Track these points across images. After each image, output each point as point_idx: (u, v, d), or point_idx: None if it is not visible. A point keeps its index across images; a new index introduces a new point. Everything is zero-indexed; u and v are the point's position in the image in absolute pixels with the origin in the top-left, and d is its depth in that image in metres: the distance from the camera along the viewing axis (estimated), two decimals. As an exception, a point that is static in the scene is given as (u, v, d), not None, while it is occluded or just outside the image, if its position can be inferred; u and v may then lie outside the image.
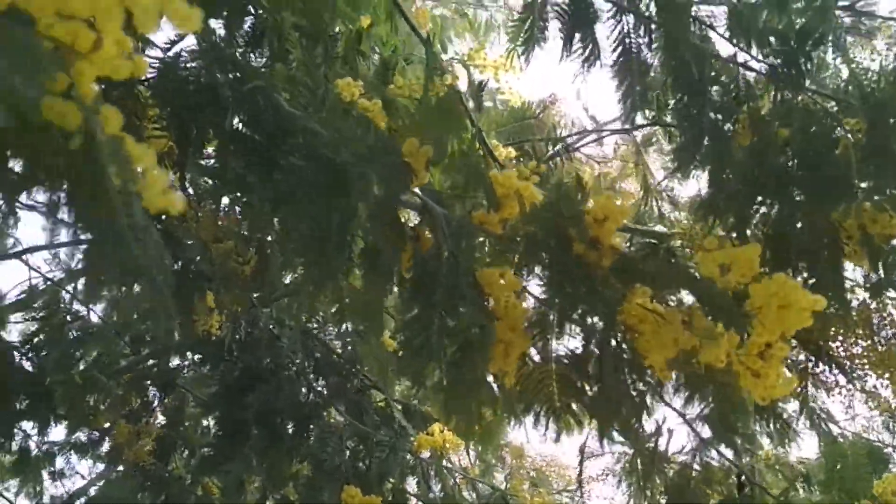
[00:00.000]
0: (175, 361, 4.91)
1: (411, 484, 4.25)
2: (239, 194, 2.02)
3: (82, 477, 5.55)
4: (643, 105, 2.45)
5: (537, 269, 1.97)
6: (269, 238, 2.81)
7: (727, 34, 2.53)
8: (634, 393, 1.80)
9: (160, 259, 1.04)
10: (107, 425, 4.55)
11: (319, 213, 1.88)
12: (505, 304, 1.85)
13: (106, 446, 4.82)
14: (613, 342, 1.79)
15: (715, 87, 2.27)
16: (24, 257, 4.81)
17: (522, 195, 1.97)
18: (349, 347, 4.56)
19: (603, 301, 1.71)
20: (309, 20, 2.40)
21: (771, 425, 2.71)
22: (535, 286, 2.02)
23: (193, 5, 0.92)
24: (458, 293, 1.84)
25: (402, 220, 2.02)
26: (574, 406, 1.87)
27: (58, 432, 4.72)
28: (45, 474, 5.08)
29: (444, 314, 1.84)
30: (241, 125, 1.98)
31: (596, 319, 1.85)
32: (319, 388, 4.50)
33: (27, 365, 4.21)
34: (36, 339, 4.35)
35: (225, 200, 2.67)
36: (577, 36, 2.68)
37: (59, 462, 5.04)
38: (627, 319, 1.73)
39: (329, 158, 1.90)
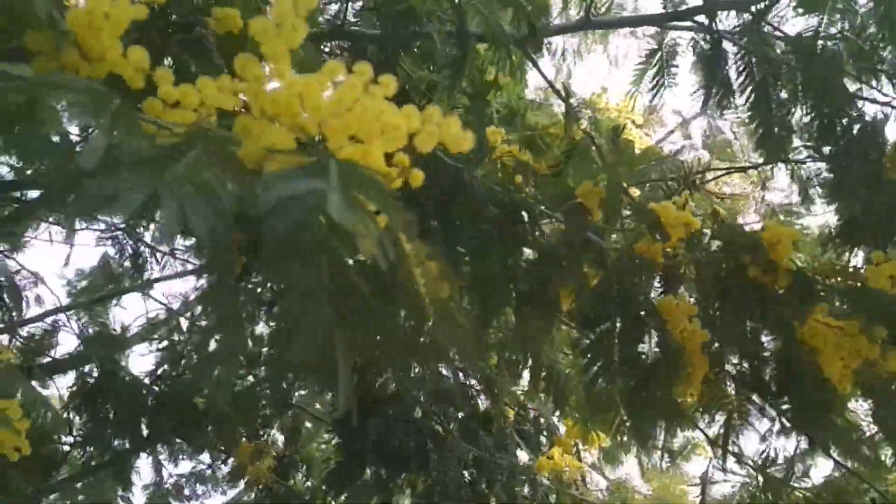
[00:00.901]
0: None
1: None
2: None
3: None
4: (786, 144, 2.62)
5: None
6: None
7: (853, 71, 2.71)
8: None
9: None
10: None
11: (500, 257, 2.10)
12: (682, 330, 2.01)
13: (226, 468, 5.02)
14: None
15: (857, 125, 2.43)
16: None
17: (686, 225, 2.15)
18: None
19: (781, 320, 1.87)
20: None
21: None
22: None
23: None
24: (638, 322, 2.01)
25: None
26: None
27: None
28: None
29: (623, 343, 2.01)
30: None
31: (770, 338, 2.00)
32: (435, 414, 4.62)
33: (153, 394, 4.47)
34: (160, 370, 4.60)
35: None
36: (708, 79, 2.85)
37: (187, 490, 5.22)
38: (804, 335, 1.89)
39: (510, 207, 2.11)
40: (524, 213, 2.16)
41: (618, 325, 2.03)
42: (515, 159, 2.69)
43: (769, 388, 1.98)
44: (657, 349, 1.97)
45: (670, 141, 5.73)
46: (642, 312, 2.01)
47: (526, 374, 3.71)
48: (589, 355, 2.05)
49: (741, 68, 2.81)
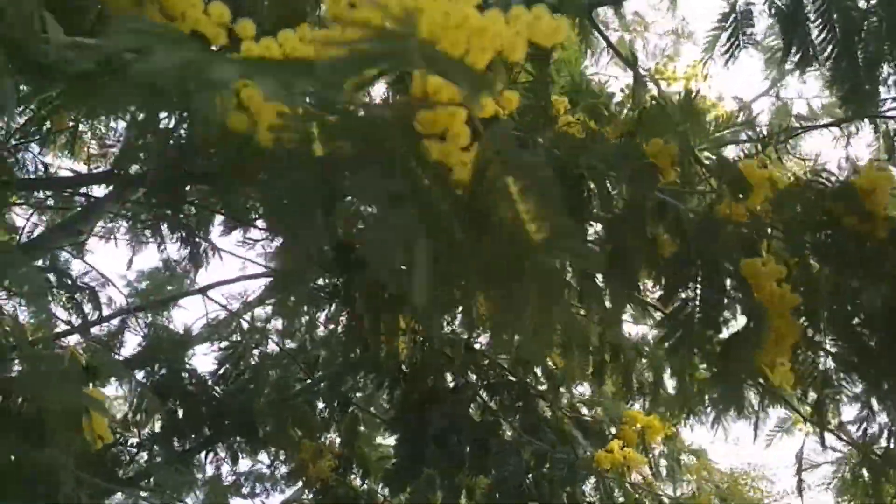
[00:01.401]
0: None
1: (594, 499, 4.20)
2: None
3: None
4: (873, 97, 2.45)
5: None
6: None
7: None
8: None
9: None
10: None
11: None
12: (770, 293, 1.85)
13: (285, 468, 5.00)
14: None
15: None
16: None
17: (771, 182, 1.99)
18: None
19: (884, 273, 1.69)
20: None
21: None
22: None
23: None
24: (721, 287, 1.85)
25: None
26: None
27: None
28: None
29: (706, 307, 1.86)
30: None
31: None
32: (493, 406, 4.53)
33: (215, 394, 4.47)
34: (222, 370, 4.60)
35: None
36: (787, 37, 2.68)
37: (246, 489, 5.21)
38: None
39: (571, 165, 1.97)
40: (590, 182, 2.03)
41: (698, 292, 1.88)
42: (582, 127, 2.57)
43: (870, 353, 1.80)
44: (743, 315, 1.81)
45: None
46: (726, 279, 1.85)
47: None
48: (668, 325, 1.90)
49: (821, 25, 2.64)
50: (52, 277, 4.55)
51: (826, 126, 3.64)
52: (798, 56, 2.68)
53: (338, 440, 4.85)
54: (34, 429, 1.88)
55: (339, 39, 0.87)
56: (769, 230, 1.90)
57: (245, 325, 4.95)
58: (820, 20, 2.66)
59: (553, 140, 2.29)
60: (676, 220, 2.02)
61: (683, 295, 1.90)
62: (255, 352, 4.83)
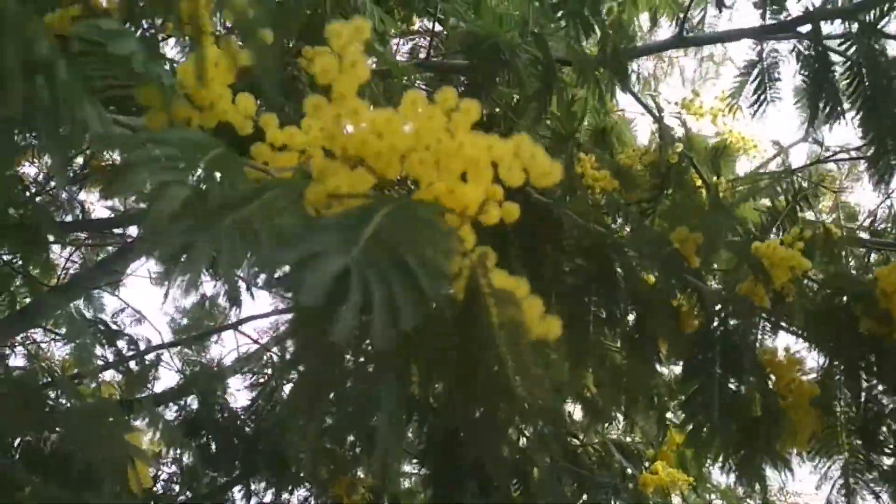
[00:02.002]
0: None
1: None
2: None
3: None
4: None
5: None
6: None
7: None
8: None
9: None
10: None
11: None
12: (788, 382, 1.83)
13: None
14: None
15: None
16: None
17: (793, 266, 1.97)
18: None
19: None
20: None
21: None
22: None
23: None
24: (740, 372, 1.84)
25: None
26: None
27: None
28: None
29: (724, 393, 1.85)
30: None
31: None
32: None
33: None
34: (254, 405, 4.65)
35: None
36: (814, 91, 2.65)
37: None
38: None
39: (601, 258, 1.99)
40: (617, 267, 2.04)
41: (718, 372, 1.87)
42: (606, 193, 2.56)
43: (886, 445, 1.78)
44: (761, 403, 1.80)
45: (768, 170, 5.49)
46: (745, 365, 1.84)
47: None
48: (690, 407, 1.90)
49: (850, 78, 2.60)
50: (88, 315, 4.68)
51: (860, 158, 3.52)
52: (827, 109, 2.64)
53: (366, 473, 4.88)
54: (84, 477, 1.98)
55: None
56: (786, 319, 1.88)
57: (276, 359, 5.00)
58: (848, 72, 2.62)
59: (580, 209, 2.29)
60: (699, 298, 2.02)
61: (705, 376, 1.90)
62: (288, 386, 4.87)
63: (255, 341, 5.18)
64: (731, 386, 1.84)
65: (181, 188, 0.81)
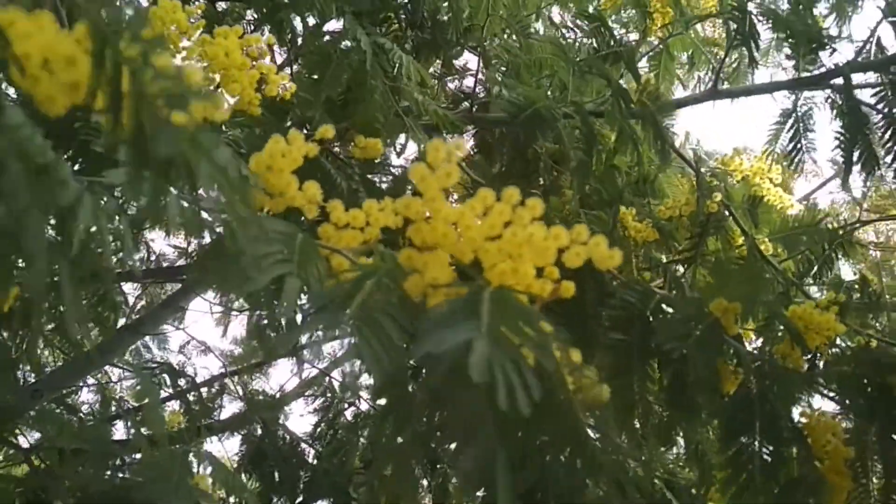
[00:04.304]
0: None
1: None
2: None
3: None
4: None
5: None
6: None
7: None
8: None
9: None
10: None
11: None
12: (825, 445, 1.94)
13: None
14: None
15: None
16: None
17: (825, 329, 2.07)
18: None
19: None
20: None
21: None
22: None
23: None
24: (777, 434, 1.95)
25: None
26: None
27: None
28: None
29: (763, 454, 1.96)
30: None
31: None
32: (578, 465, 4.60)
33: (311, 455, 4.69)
34: (318, 430, 4.82)
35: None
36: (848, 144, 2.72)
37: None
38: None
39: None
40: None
41: (757, 438, 1.98)
42: (646, 245, 2.68)
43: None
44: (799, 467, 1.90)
45: (827, 190, 5.48)
46: (783, 429, 1.94)
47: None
48: (730, 470, 2.00)
49: (884, 130, 2.68)
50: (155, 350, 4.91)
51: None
52: (862, 161, 2.71)
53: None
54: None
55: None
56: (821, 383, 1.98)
57: (336, 384, 5.16)
58: (882, 122, 2.69)
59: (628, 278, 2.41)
60: (737, 358, 2.13)
61: (744, 439, 2.00)
62: (349, 410, 5.01)
63: (314, 366, 5.34)
64: (770, 447, 1.95)
65: (295, 280, 0.98)
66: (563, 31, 3.78)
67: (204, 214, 1.16)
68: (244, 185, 1.04)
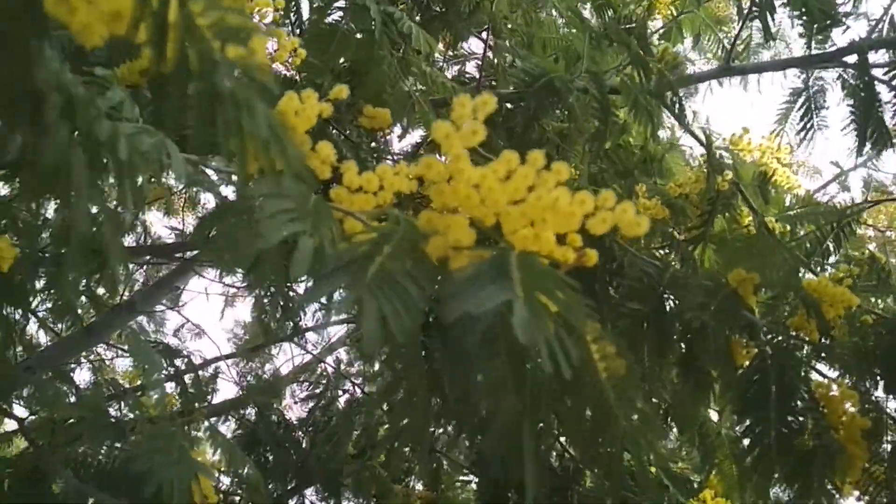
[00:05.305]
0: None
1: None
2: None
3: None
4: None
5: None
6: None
7: None
8: None
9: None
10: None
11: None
12: (841, 415, 1.91)
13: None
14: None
15: None
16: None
17: (841, 301, 2.05)
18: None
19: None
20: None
21: None
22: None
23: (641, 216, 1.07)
24: (792, 406, 1.92)
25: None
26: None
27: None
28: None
29: (779, 427, 1.93)
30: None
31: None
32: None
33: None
34: (312, 416, 4.78)
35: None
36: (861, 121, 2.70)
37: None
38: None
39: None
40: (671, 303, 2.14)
41: (773, 410, 1.95)
42: (657, 223, 2.65)
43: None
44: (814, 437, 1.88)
45: (826, 192, 5.54)
46: (799, 400, 1.92)
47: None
48: (746, 442, 1.98)
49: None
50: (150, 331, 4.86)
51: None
52: (874, 137, 2.70)
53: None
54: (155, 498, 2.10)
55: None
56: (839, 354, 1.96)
57: (331, 370, 5.12)
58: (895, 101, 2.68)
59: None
60: (752, 331, 2.10)
61: (760, 414, 1.98)
62: (343, 398, 4.98)
63: (309, 352, 5.32)
64: (786, 419, 1.92)
65: (309, 239, 0.93)
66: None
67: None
68: (286, 137, 1.00)
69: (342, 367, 5.20)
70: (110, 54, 1.75)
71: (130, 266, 4.96)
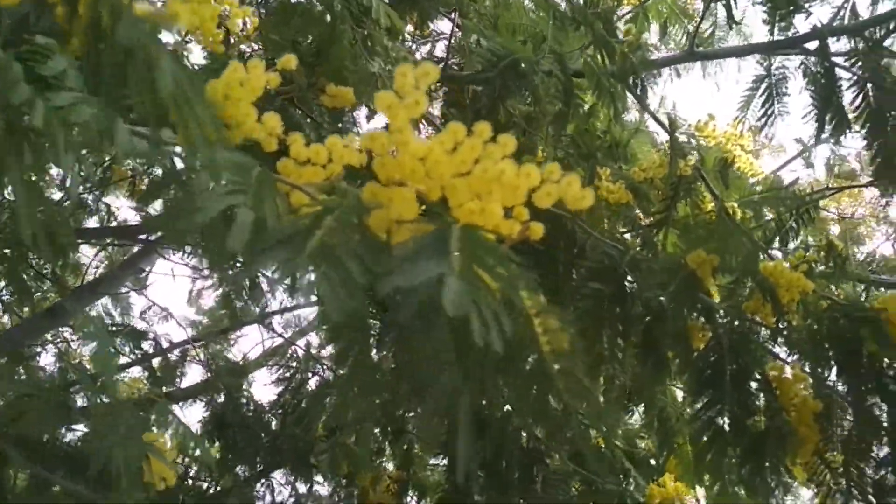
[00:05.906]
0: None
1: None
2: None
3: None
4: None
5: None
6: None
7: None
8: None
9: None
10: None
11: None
12: (793, 398, 1.94)
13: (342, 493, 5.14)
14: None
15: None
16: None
17: (799, 287, 2.07)
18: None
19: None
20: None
21: None
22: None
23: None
24: (746, 388, 1.95)
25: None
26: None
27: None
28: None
29: (733, 408, 1.95)
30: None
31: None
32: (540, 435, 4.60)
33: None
34: (282, 399, 4.77)
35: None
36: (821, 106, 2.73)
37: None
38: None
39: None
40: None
41: (727, 391, 1.97)
42: (620, 206, 2.66)
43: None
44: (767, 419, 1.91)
45: (790, 169, 5.56)
46: (752, 382, 1.95)
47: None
48: (699, 422, 2.00)
49: (856, 94, 2.68)
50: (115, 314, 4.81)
51: (860, 186, 3.63)
52: (833, 123, 2.72)
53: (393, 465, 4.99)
54: (103, 477, 2.08)
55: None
56: (794, 338, 1.98)
57: (301, 353, 5.10)
58: (854, 88, 2.70)
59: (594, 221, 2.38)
60: (708, 314, 2.12)
61: (714, 395, 2.00)
62: (313, 380, 4.97)
63: (280, 335, 5.29)
64: (740, 400, 1.95)
65: (248, 212, 0.90)
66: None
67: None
68: (203, 96, 0.98)
69: (312, 350, 5.19)
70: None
71: (94, 248, 4.91)
